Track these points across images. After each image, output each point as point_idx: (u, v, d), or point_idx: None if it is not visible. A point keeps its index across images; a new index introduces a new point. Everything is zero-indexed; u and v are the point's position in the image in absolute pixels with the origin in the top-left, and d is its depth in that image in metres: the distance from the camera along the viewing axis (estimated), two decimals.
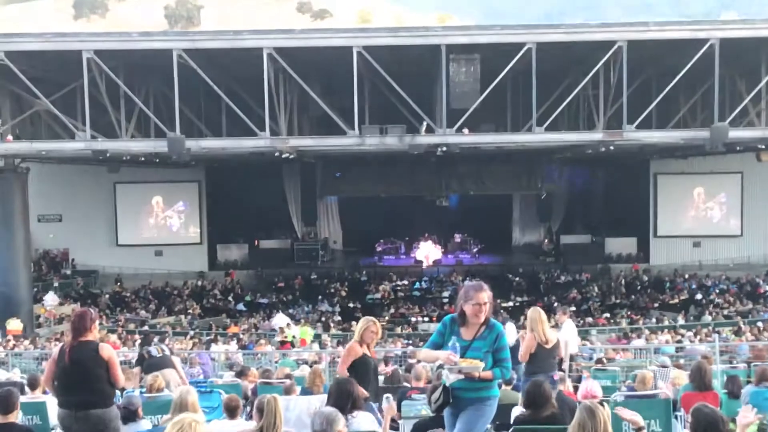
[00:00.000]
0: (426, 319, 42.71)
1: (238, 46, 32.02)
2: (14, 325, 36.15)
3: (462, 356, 8.11)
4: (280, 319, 34.72)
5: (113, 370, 9.86)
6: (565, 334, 16.88)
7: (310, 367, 19.67)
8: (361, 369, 11.35)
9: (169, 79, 31.45)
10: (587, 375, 17.98)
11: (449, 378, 8.15)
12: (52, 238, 50.42)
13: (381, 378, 14.84)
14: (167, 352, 16.25)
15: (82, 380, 9.68)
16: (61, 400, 9.91)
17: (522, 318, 39.81)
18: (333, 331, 38.02)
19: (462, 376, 8.08)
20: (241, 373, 17.12)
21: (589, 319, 40.36)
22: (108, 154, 34.28)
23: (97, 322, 10.38)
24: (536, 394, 8.26)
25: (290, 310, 42.91)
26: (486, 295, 8.27)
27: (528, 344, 12.95)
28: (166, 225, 51.54)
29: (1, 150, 34.76)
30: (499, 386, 9.31)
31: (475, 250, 54.18)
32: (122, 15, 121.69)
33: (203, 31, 68.27)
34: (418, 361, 14.61)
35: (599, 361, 21.39)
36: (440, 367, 12.86)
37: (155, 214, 51.32)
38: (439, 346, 8.44)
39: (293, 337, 32.60)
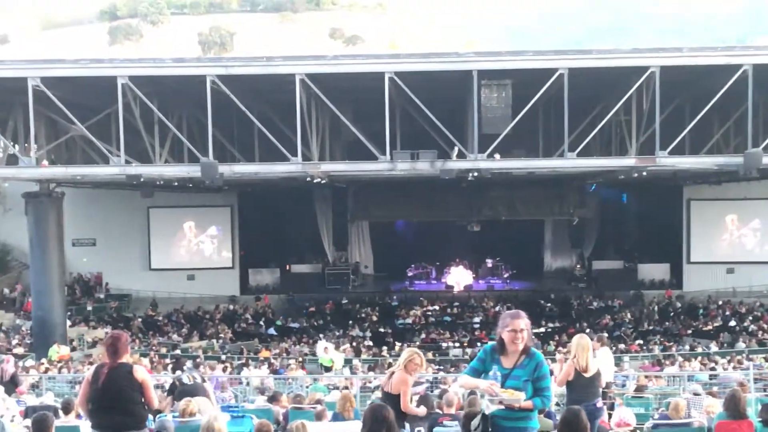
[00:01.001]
0: (457, 344, 42.51)
1: (271, 72, 32.20)
2: (64, 350, 36.38)
3: (502, 385, 8.05)
4: (320, 345, 34.81)
5: (147, 392, 9.89)
6: (599, 362, 16.75)
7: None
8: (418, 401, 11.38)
9: (203, 105, 31.68)
10: (620, 403, 17.81)
11: (489, 408, 8.08)
12: (85, 262, 50.71)
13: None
14: (199, 380, 16.25)
15: (117, 402, 9.70)
16: (94, 422, 9.91)
17: (552, 344, 39.76)
18: (364, 356, 37.94)
19: (503, 407, 8.03)
20: (273, 398, 17.13)
21: (622, 346, 40.01)
22: (142, 179, 34.50)
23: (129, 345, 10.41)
24: (573, 422, 8.17)
25: (320, 335, 42.85)
26: (523, 322, 8.21)
27: (566, 371, 12.83)
28: (198, 249, 51.75)
29: (37, 175, 35.07)
30: None
31: (506, 275, 53.96)
32: (156, 41, 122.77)
33: (236, 57, 68.77)
34: (450, 387, 14.50)
35: (636, 389, 21.17)
36: (471, 393, 12.77)
37: (188, 238, 51.55)
38: (479, 372, 8.36)
39: (331, 361, 32.57)
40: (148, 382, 9.96)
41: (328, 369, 32.17)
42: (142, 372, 10.00)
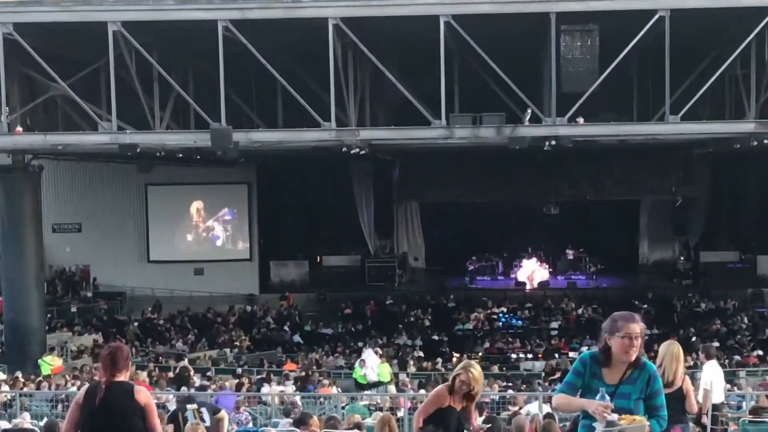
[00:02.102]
0: (529, 356, 42.49)
1: (298, 15, 32.24)
2: (57, 362, 36.80)
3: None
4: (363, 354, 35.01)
5: (150, 417, 9.98)
6: (707, 379, 16.70)
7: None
8: (439, 422, 11.18)
9: (214, 58, 31.80)
10: (734, 428, 17.77)
11: None
12: (69, 253, 51.14)
13: None
14: (207, 418, 16.39)
15: (114, 428, 9.80)
16: None
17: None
18: (412, 369, 38.04)
19: None
20: (301, 422, 17.19)
21: (737, 358, 39.81)
22: (138, 150, 34.73)
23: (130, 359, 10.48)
24: None
25: (359, 344, 42.95)
26: (638, 326, 8.10)
27: None
28: (208, 237, 52.05)
29: (9, 144, 35.38)
30: None
31: (592, 269, 53.74)
32: None
33: None
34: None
35: (752, 411, 21.09)
36: (548, 416, 12.79)
37: (195, 223, 51.84)
38: (576, 389, 8.26)
39: (364, 377, 32.67)
40: (151, 407, 10.06)
41: (362, 386, 32.30)
42: (144, 394, 10.10)
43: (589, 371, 8.22)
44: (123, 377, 10.04)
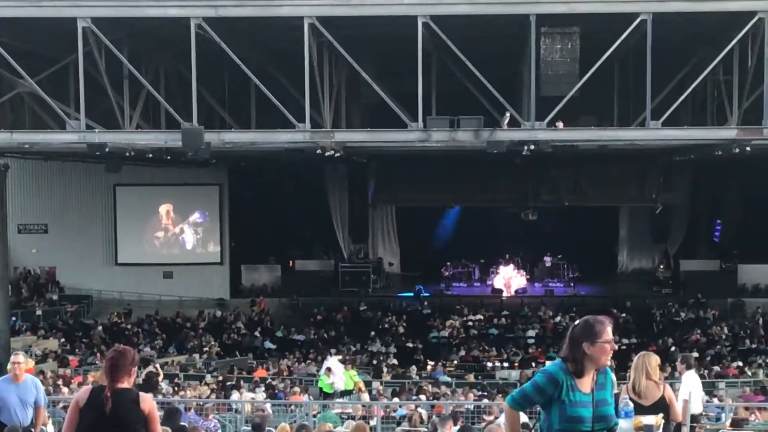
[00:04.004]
0: (506, 364, 42.51)
1: (273, 14, 32.10)
2: (29, 363, 36.37)
3: (596, 416, 7.89)
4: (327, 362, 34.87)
5: (153, 426, 9.95)
6: (685, 390, 16.69)
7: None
8: None
9: (186, 56, 31.67)
10: None
11: None
12: (34, 254, 50.89)
13: None
14: None
15: None
16: None
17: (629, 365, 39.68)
18: (386, 377, 38.02)
19: None
20: (258, 428, 17.11)
21: (717, 369, 39.94)
22: (107, 149, 34.52)
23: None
24: None
25: (332, 350, 42.90)
26: (611, 327, 8.10)
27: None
28: (177, 240, 51.86)
29: None
30: None
31: (570, 277, 53.81)
32: None
33: None
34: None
35: (732, 423, 21.15)
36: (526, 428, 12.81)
37: (165, 226, 51.64)
38: (533, 404, 8.16)
39: (331, 387, 32.61)
40: (154, 414, 10.00)
41: (328, 395, 32.23)
42: (148, 402, 10.03)
43: (565, 385, 7.95)
44: (126, 383, 9.96)
